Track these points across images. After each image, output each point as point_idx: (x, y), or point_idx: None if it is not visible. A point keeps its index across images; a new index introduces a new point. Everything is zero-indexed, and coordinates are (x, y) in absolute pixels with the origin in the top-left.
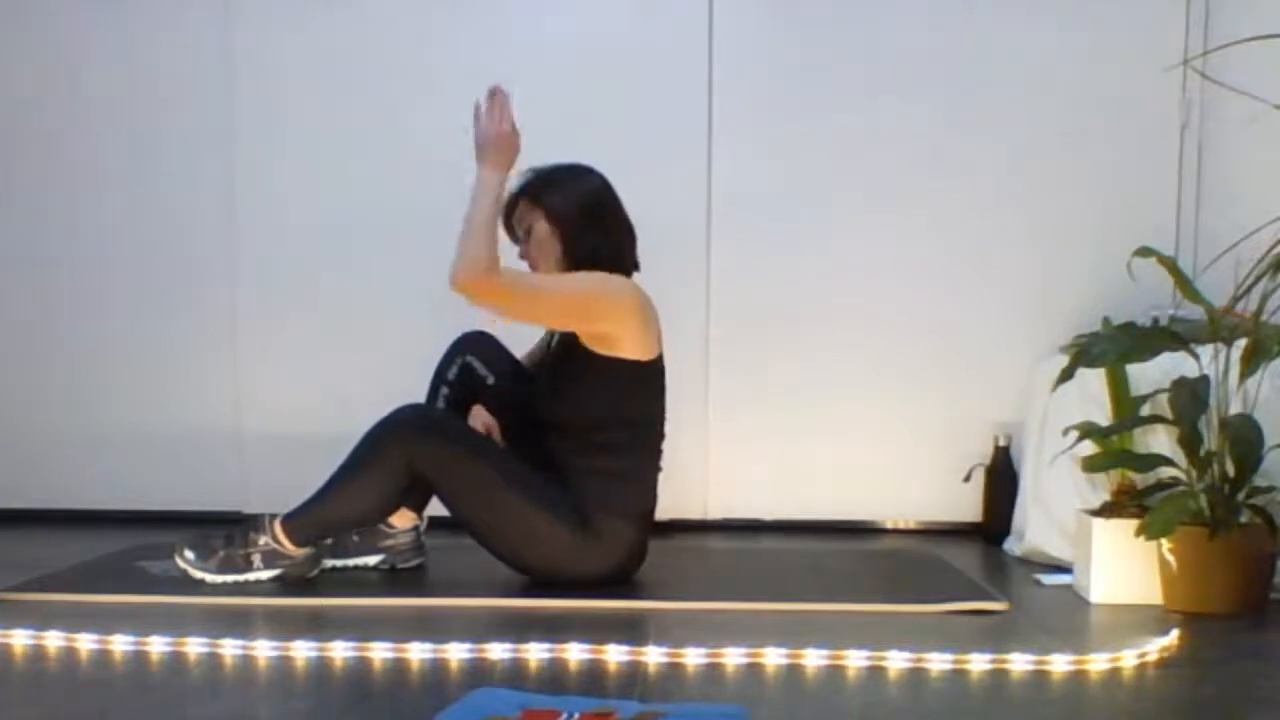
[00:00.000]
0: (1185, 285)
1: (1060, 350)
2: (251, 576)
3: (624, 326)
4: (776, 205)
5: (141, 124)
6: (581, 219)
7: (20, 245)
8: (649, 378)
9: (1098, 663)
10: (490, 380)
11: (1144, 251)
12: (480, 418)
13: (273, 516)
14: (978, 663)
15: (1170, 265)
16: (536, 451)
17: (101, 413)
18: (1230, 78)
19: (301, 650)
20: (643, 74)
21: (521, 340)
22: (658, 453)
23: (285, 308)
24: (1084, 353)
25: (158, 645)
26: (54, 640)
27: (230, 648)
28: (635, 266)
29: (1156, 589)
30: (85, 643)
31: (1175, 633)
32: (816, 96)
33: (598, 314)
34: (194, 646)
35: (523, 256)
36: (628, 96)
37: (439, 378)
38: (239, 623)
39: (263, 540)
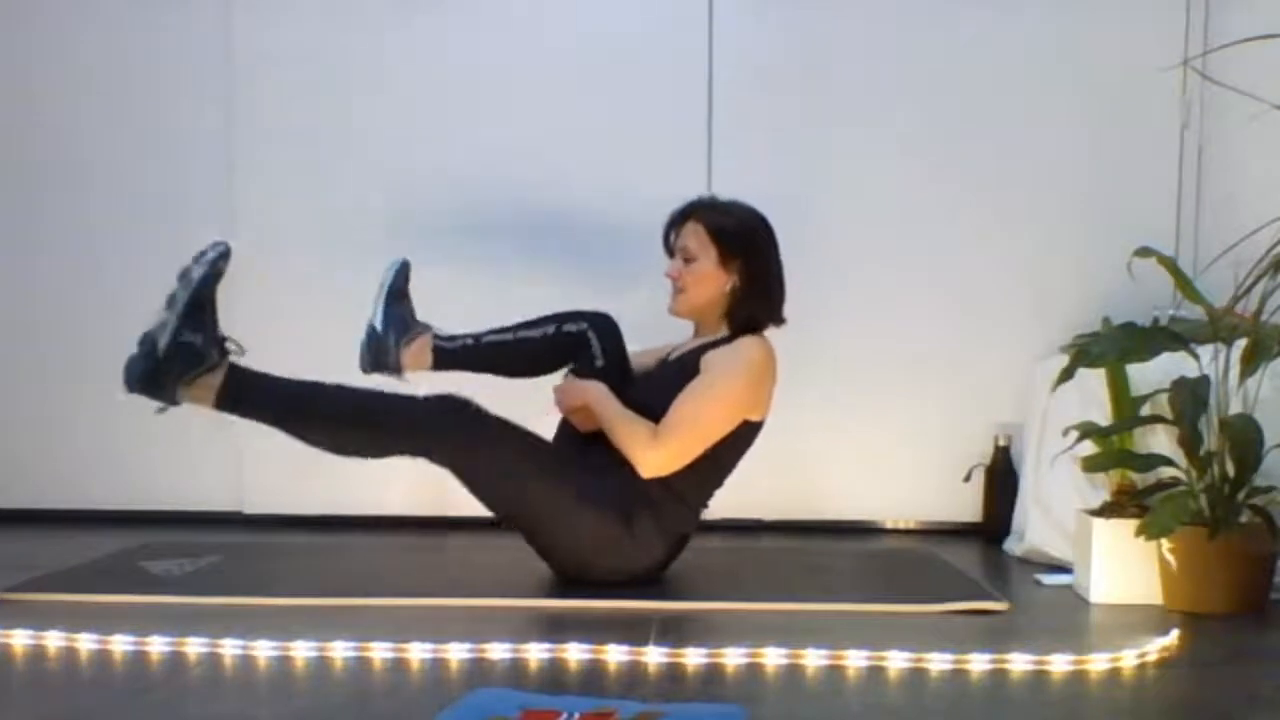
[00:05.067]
0: (1185, 285)
1: (1060, 350)
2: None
3: (759, 398)
4: (776, 205)
5: (141, 124)
6: (746, 250)
7: (18, 245)
8: (747, 433)
9: (1098, 663)
10: (600, 363)
11: (1144, 251)
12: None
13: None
14: (978, 663)
15: (1170, 265)
16: (605, 443)
17: (101, 413)
18: (1230, 78)
19: (301, 650)
20: (643, 74)
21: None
22: (718, 485)
23: (285, 307)
24: (1084, 353)
25: (158, 645)
26: (54, 640)
27: (230, 648)
28: (781, 319)
29: (1156, 589)
30: (85, 643)
31: (1175, 633)
32: (816, 97)
33: (751, 404)
34: (194, 646)
35: (671, 274)
36: (628, 97)
37: (555, 319)
38: (239, 623)
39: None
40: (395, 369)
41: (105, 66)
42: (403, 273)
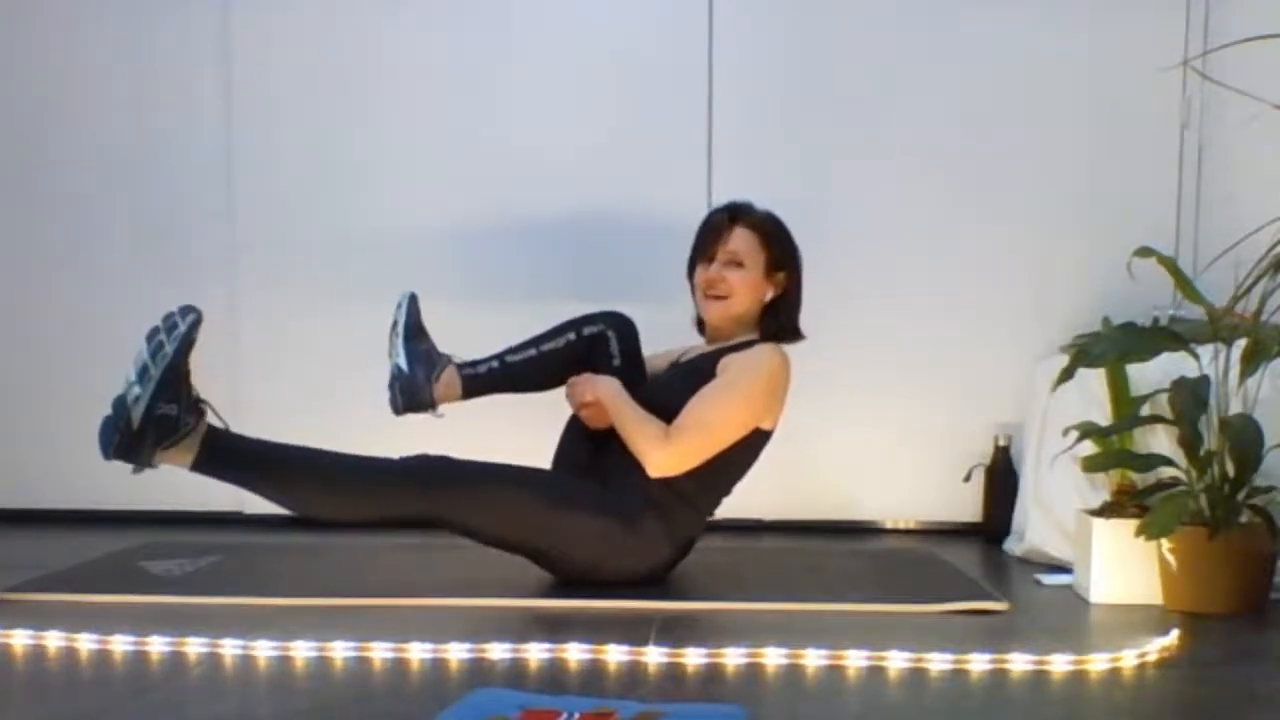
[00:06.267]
0: (1185, 285)
1: (1060, 350)
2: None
3: (773, 405)
4: (776, 207)
5: (140, 125)
6: (792, 260)
7: (19, 245)
8: (758, 440)
9: (1098, 663)
10: (617, 362)
11: (1144, 251)
12: (583, 386)
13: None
14: (978, 663)
15: (1170, 265)
16: (615, 443)
17: (102, 413)
18: (1230, 78)
19: (301, 650)
20: (643, 77)
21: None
22: (725, 492)
23: (285, 308)
24: (1084, 353)
25: (158, 645)
26: (54, 640)
27: (230, 648)
28: (801, 334)
29: (1156, 589)
30: (85, 643)
31: (1175, 633)
32: (816, 98)
33: (764, 411)
34: (194, 646)
35: (714, 277)
36: (628, 99)
37: (573, 325)
38: (239, 623)
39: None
40: (431, 405)
41: (105, 67)
42: (413, 307)
